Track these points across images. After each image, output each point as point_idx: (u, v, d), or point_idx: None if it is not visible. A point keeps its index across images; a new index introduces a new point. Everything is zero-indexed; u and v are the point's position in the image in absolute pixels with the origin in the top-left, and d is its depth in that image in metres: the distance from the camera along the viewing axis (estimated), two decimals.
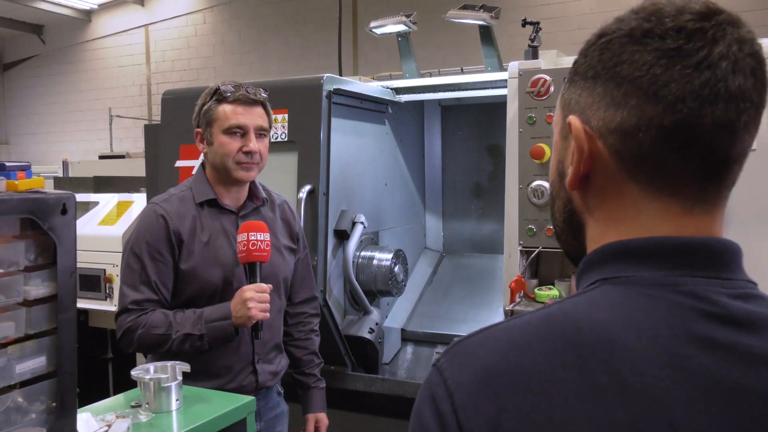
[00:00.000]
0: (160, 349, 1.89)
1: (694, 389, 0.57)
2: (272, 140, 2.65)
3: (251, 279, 1.88)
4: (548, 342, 0.60)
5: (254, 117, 1.97)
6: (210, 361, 1.94)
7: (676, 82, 0.60)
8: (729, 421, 0.57)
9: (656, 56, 0.61)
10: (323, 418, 2.22)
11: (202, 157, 2.08)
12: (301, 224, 2.45)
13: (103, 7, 13.53)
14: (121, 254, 2.11)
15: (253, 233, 1.86)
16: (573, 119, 0.67)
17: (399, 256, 2.92)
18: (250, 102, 1.96)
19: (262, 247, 1.86)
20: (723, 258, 0.64)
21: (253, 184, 2.07)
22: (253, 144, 1.95)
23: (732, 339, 0.60)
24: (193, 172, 2.79)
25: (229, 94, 1.95)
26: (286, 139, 2.65)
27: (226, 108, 1.95)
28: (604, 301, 0.63)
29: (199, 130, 2.01)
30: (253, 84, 2.08)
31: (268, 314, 1.88)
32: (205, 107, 1.98)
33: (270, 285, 1.90)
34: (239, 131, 1.95)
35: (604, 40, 0.65)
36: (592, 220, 0.69)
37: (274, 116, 2.64)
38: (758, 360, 0.59)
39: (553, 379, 0.58)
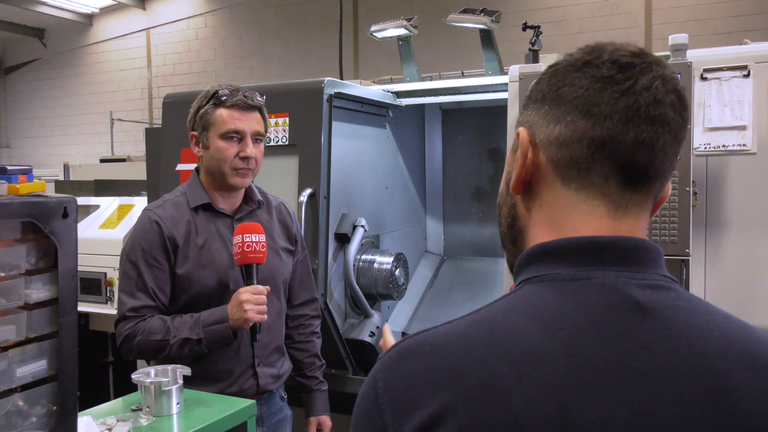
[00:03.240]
0: (159, 355, 1.88)
1: (587, 376, 0.63)
2: (273, 144, 2.65)
3: (248, 281, 1.87)
4: (462, 343, 0.67)
5: (251, 122, 1.96)
6: (210, 365, 1.93)
7: (605, 103, 0.70)
8: (620, 403, 0.62)
9: (592, 81, 0.71)
10: (326, 420, 2.21)
11: None
12: (301, 227, 2.45)
13: (104, 11, 13.56)
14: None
15: (248, 235, 1.85)
16: (521, 130, 0.77)
17: (400, 260, 2.92)
18: (248, 107, 1.96)
19: (258, 249, 1.85)
20: (634, 254, 0.71)
21: (248, 187, 2.06)
22: (250, 150, 1.94)
23: (632, 327, 0.66)
24: None
25: (226, 99, 1.94)
26: (287, 143, 2.65)
27: (223, 112, 1.94)
28: (521, 300, 0.70)
29: (195, 133, 2.00)
30: (254, 88, 2.08)
31: (265, 316, 1.87)
32: (202, 111, 1.97)
33: (267, 287, 1.90)
34: (236, 136, 1.95)
35: (553, 69, 0.76)
36: (532, 223, 0.78)
37: (275, 120, 2.66)
38: (655, 345, 0.65)
39: (460, 374, 0.65)
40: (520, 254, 0.76)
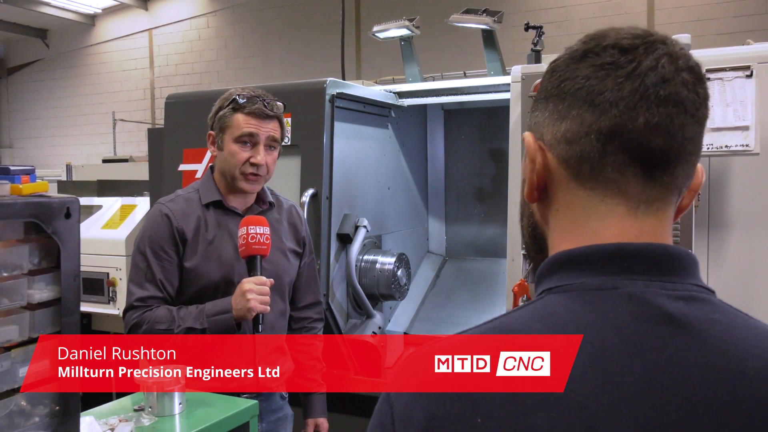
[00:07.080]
0: None
1: (616, 393, 0.59)
2: None
3: (251, 273, 1.89)
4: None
5: (267, 129, 1.98)
6: None
7: (609, 90, 0.66)
8: (650, 423, 0.58)
9: (593, 70, 0.67)
10: (323, 422, 2.22)
11: (208, 154, 2.08)
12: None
13: (107, 12, 13.58)
14: (124, 258, 2.12)
15: (252, 227, 1.87)
16: (526, 135, 0.73)
17: (402, 260, 2.92)
18: (266, 116, 1.98)
19: (262, 241, 1.87)
20: (666, 262, 0.66)
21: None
22: (261, 156, 1.96)
23: (663, 341, 0.61)
24: (197, 175, 2.81)
25: (245, 104, 1.96)
26: (289, 143, 2.65)
27: (240, 117, 1.97)
28: (543, 311, 0.66)
29: (212, 132, 2.04)
30: (256, 88, 2.08)
31: (267, 308, 1.88)
32: (221, 113, 2.00)
33: (271, 279, 1.92)
34: (250, 141, 1.97)
35: (553, 65, 0.71)
36: (550, 230, 0.73)
37: None
38: (689, 362, 0.60)
39: (480, 390, 0.61)
40: (542, 264, 0.72)
